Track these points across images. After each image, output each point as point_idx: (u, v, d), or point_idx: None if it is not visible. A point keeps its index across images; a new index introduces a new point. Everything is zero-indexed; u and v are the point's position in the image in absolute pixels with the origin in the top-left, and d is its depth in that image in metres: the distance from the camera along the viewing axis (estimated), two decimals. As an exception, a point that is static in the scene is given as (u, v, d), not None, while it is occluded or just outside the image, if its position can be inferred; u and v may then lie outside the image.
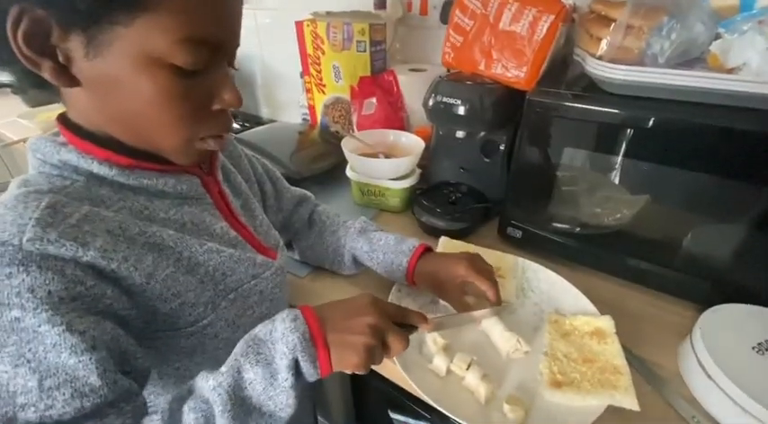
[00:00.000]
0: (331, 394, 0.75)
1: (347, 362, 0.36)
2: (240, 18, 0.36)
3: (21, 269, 0.28)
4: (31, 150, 0.36)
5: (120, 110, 0.34)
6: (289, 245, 0.68)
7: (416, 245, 0.56)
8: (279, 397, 0.34)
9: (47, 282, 0.29)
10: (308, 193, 0.68)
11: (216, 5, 0.32)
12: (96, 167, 0.35)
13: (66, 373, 0.29)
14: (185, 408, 0.33)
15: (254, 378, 0.34)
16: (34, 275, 0.29)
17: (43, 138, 0.36)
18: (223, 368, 0.35)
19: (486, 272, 0.52)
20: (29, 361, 0.29)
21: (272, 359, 0.34)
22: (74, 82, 0.32)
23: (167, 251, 0.37)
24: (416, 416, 0.62)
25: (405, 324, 0.41)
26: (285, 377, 0.34)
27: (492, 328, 0.50)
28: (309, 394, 0.66)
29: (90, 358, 0.30)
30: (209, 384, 0.33)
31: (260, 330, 0.37)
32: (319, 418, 0.76)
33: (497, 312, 0.52)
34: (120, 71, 0.31)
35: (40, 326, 0.28)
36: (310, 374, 0.35)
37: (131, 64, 0.31)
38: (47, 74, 0.31)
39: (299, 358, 0.34)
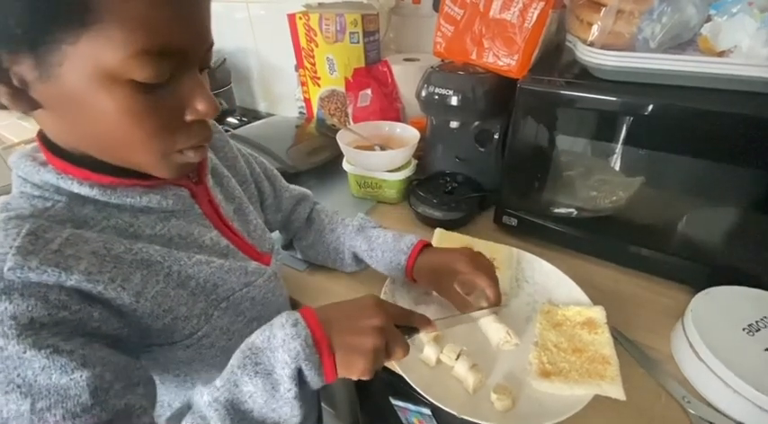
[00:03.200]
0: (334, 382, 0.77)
1: (354, 367, 0.34)
2: (207, 17, 0.33)
3: (3, 297, 0.28)
4: (14, 167, 0.35)
5: (87, 130, 0.33)
6: (289, 245, 0.68)
7: (415, 242, 0.55)
8: (282, 409, 0.33)
9: (29, 309, 0.29)
10: (308, 192, 0.68)
11: (171, 12, 0.29)
12: (77, 187, 0.34)
13: (58, 393, 0.29)
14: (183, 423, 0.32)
15: (253, 391, 0.32)
16: (17, 302, 0.29)
17: (24, 156, 0.35)
18: (218, 382, 0.33)
19: (487, 269, 0.51)
20: (19, 386, 0.28)
21: (272, 369, 0.33)
22: (33, 104, 0.31)
23: (156, 267, 0.37)
24: (416, 402, 0.63)
25: (405, 326, 0.40)
26: (288, 388, 0.32)
27: (483, 319, 0.51)
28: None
29: (81, 376, 0.30)
30: (205, 400, 0.32)
31: (257, 337, 0.35)
32: (323, 404, 0.78)
33: (497, 311, 0.52)
34: (77, 91, 0.29)
35: (25, 352, 0.28)
36: (315, 382, 0.34)
37: (87, 83, 0.29)
38: (3, 99, 0.30)
39: (303, 367, 0.32)
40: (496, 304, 0.50)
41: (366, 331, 0.35)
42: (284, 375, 0.32)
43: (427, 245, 0.56)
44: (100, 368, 0.31)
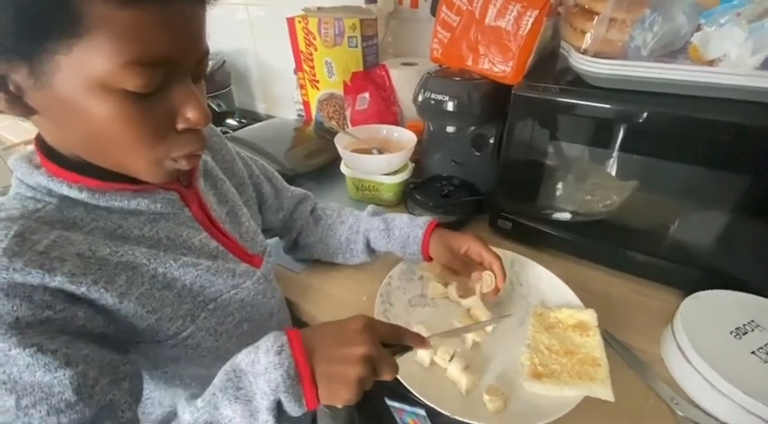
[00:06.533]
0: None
1: (337, 397, 0.34)
2: (199, 28, 0.33)
3: None
4: (13, 169, 0.37)
5: (80, 135, 0.34)
6: (293, 246, 0.68)
7: (430, 220, 0.60)
8: None
9: (14, 309, 0.30)
10: (309, 192, 0.69)
11: (160, 23, 0.30)
12: (66, 190, 0.36)
13: (42, 390, 0.30)
14: None
15: (232, 416, 0.32)
16: (2, 302, 0.30)
17: (22, 158, 0.37)
18: (200, 402, 0.33)
19: (490, 248, 0.56)
20: (4, 382, 0.30)
21: (252, 396, 0.33)
22: (29, 110, 0.32)
23: (141, 269, 0.37)
24: (411, 403, 0.64)
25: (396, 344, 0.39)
26: (266, 419, 0.32)
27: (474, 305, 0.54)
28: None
29: (64, 374, 0.31)
30: (185, 419, 0.33)
31: (243, 359, 0.35)
32: (319, 406, 0.79)
33: (496, 321, 0.54)
34: (71, 98, 0.30)
35: (10, 350, 0.29)
36: (294, 411, 0.33)
37: (79, 91, 0.30)
38: (0, 104, 0.31)
39: (282, 399, 0.32)
40: (500, 279, 0.54)
41: (351, 360, 0.34)
42: (263, 405, 0.32)
43: (439, 225, 0.60)
44: (83, 366, 0.32)
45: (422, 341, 0.40)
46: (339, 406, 0.35)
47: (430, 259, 0.59)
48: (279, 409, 0.33)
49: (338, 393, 0.34)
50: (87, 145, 0.35)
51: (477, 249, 0.56)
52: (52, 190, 0.36)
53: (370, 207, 0.65)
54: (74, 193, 0.36)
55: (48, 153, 0.36)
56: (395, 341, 0.38)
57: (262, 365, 0.33)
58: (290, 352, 0.33)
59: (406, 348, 0.39)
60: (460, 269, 0.59)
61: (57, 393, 0.31)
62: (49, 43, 0.28)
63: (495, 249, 0.64)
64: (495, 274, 0.55)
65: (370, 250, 0.62)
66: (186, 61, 0.33)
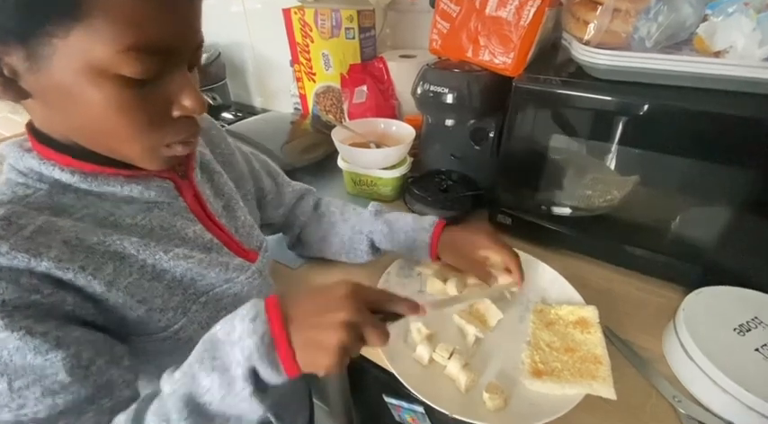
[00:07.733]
0: (327, 378, 0.77)
1: (317, 364, 0.32)
2: (196, 16, 0.34)
3: None
4: (5, 154, 0.36)
5: (75, 120, 0.33)
6: (296, 242, 0.67)
7: (436, 220, 0.57)
8: (241, 405, 0.31)
9: (0, 292, 0.30)
10: (311, 187, 0.68)
11: (160, 10, 0.30)
12: (58, 173, 0.35)
13: (35, 372, 0.30)
14: (150, 409, 0.32)
15: (210, 386, 0.31)
16: None
17: (12, 143, 0.36)
18: (178, 374, 0.33)
19: (507, 245, 0.54)
20: None
21: (228, 365, 0.31)
22: (23, 94, 0.32)
23: (130, 259, 0.37)
24: (409, 400, 0.63)
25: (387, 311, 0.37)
26: (242, 387, 0.31)
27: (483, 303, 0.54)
28: (305, 378, 0.68)
29: (56, 356, 0.31)
30: (166, 390, 0.32)
31: (220, 328, 0.33)
32: (315, 401, 0.78)
33: (489, 294, 0.54)
34: (67, 83, 0.30)
35: None
36: (273, 379, 0.32)
37: (76, 76, 0.30)
38: None
39: (257, 366, 0.31)
40: (519, 278, 0.53)
41: (331, 326, 0.32)
42: (238, 374, 0.31)
43: (447, 224, 0.58)
44: (75, 348, 0.32)
45: (414, 307, 0.38)
46: (321, 374, 0.33)
47: (438, 259, 0.58)
48: (257, 379, 0.32)
49: (317, 359, 0.32)
50: (82, 130, 0.35)
51: (489, 247, 0.53)
52: (43, 175, 0.35)
53: (371, 206, 0.62)
54: (65, 176, 0.35)
55: (39, 137, 0.36)
56: (384, 308, 0.37)
57: (237, 333, 0.32)
58: (265, 318, 0.32)
59: (398, 316, 0.38)
60: (471, 269, 0.57)
61: (50, 375, 0.31)
62: (48, 26, 0.28)
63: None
64: (513, 272, 0.53)
65: (374, 249, 0.61)
66: (184, 49, 0.33)
